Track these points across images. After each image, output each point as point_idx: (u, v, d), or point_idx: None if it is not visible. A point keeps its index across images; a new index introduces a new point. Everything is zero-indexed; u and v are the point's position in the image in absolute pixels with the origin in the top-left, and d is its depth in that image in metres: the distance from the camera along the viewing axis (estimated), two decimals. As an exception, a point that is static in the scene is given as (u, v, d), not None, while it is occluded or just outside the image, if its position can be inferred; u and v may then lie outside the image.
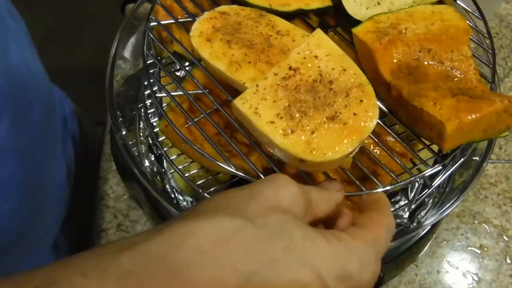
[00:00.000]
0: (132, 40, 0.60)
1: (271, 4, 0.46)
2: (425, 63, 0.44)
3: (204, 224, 0.26)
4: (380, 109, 0.45)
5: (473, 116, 0.38)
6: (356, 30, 0.46)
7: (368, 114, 0.37)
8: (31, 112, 0.47)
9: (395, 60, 0.44)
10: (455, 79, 0.43)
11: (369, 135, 0.44)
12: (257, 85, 0.38)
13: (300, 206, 0.29)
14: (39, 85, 0.50)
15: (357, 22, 0.47)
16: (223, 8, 0.46)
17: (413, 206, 0.55)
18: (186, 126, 0.46)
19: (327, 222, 0.34)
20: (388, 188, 0.42)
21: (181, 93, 0.46)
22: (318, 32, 0.41)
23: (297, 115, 0.37)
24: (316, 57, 0.40)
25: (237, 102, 0.38)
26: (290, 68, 0.39)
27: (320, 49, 0.40)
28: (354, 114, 0.37)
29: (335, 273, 0.27)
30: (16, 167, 0.43)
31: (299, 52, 0.40)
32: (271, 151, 0.39)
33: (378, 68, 0.43)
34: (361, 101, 0.38)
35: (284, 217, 0.28)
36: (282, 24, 0.46)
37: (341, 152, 0.35)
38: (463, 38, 0.45)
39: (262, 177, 0.41)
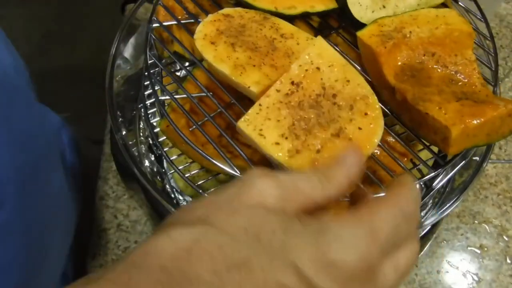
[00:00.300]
0: (132, 40, 0.60)
1: (277, 7, 0.46)
2: (429, 66, 0.44)
3: (159, 239, 0.24)
4: (382, 110, 0.45)
5: (478, 120, 0.38)
6: (360, 34, 0.46)
7: (373, 128, 0.37)
8: (39, 177, 0.43)
9: (399, 63, 0.44)
10: (459, 83, 0.43)
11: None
12: (260, 104, 0.38)
13: (273, 197, 0.26)
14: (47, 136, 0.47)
15: (361, 25, 0.47)
16: (227, 10, 0.46)
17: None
18: (190, 129, 0.47)
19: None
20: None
21: (185, 95, 0.46)
22: (319, 40, 0.40)
23: (301, 134, 0.37)
24: (318, 68, 0.39)
25: (241, 124, 0.37)
26: (292, 83, 0.39)
27: (322, 59, 0.39)
28: (359, 129, 0.37)
29: (313, 261, 0.23)
30: (21, 246, 0.40)
31: (300, 64, 0.39)
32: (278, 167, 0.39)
33: (382, 72, 0.43)
34: (365, 114, 0.37)
35: (250, 214, 0.25)
36: (286, 27, 0.46)
37: None
38: (467, 42, 0.45)
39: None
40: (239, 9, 0.47)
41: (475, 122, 0.38)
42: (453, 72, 0.44)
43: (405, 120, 0.43)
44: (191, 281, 0.23)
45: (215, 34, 0.43)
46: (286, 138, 0.37)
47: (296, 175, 0.27)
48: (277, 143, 0.36)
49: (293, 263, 0.23)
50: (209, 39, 0.43)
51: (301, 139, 0.37)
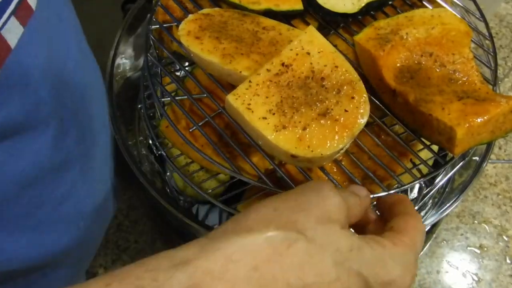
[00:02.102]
0: (132, 40, 0.60)
1: (241, 0, 0.47)
2: (428, 66, 0.44)
3: (258, 240, 0.26)
4: (381, 108, 0.45)
5: (482, 119, 0.38)
6: (358, 38, 0.46)
7: (359, 110, 0.37)
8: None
9: (397, 65, 0.44)
10: (459, 82, 0.43)
11: (369, 135, 0.44)
12: (250, 81, 0.39)
13: (344, 215, 0.29)
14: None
15: (326, 12, 0.47)
16: (207, 10, 0.47)
17: (416, 207, 0.55)
18: (190, 130, 0.47)
19: (356, 227, 0.34)
20: (393, 191, 0.42)
21: (185, 97, 0.47)
22: (311, 28, 0.41)
23: (289, 111, 0.37)
24: (308, 53, 0.40)
25: (230, 97, 0.38)
26: (282, 64, 0.39)
27: (313, 46, 0.40)
28: (346, 111, 0.37)
29: (381, 279, 0.28)
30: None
31: (291, 48, 0.40)
32: (263, 148, 0.39)
33: (382, 75, 0.43)
34: (352, 97, 0.38)
35: (331, 228, 0.28)
36: (267, 21, 0.46)
37: (332, 149, 0.36)
38: (464, 41, 0.45)
39: (264, 178, 0.41)
40: (217, 9, 0.48)
41: (479, 120, 0.38)
42: (452, 71, 0.44)
43: (408, 121, 0.43)
44: (278, 282, 0.25)
45: (198, 30, 0.44)
46: (274, 114, 0.37)
47: (348, 195, 0.32)
48: (264, 118, 0.37)
49: (365, 278, 0.27)
50: (193, 35, 0.44)
51: (288, 116, 0.37)
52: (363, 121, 0.37)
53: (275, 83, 0.39)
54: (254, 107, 0.37)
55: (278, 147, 0.36)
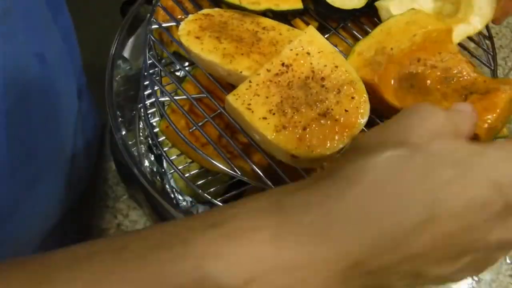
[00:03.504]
0: (132, 40, 0.60)
1: (241, 1, 0.47)
2: (420, 73, 0.44)
3: (378, 159, 0.26)
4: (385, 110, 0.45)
5: (494, 114, 0.38)
6: None
7: (359, 111, 0.38)
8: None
9: (393, 82, 0.44)
10: (455, 79, 0.43)
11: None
12: (250, 81, 0.39)
13: (451, 129, 0.28)
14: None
15: (334, 10, 0.47)
16: (206, 10, 0.47)
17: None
18: (190, 130, 0.47)
19: None
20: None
21: (184, 97, 0.47)
22: (310, 29, 0.41)
23: (289, 111, 0.37)
24: (308, 53, 0.40)
25: (230, 97, 0.38)
26: (282, 64, 0.39)
27: (312, 46, 0.40)
28: (346, 111, 0.38)
29: (507, 178, 0.26)
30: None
31: (291, 48, 0.40)
32: (263, 147, 0.39)
33: (384, 99, 0.42)
34: (352, 97, 0.38)
35: (445, 140, 0.27)
36: (267, 21, 0.47)
37: (332, 149, 0.36)
38: (446, 38, 0.45)
39: (264, 178, 0.41)
40: (217, 9, 0.48)
41: (492, 116, 0.38)
42: (444, 70, 0.44)
43: None
44: (405, 196, 0.25)
45: (198, 30, 0.44)
46: (274, 114, 0.37)
47: (454, 112, 0.30)
48: (265, 118, 0.37)
49: (493, 181, 0.26)
50: (193, 35, 0.44)
51: (288, 116, 0.37)
52: (363, 121, 0.37)
53: (275, 83, 0.39)
54: (254, 107, 0.37)
55: (279, 147, 0.36)
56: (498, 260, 0.29)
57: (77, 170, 0.55)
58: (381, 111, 0.43)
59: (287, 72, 0.39)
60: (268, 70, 0.39)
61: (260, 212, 0.25)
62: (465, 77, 0.43)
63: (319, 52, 0.40)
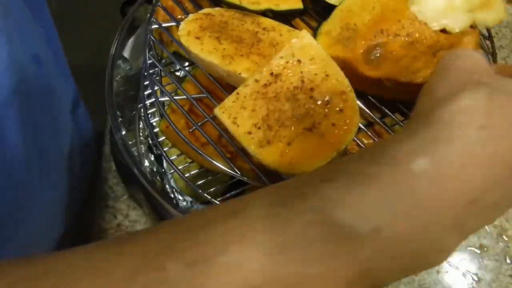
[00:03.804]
0: (131, 40, 0.60)
1: (241, 1, 0.47)
2: (387, 43, 0.45)
3: (468, 100, 0.25)
4: (380, 109, 0.45)
5: None
6: None
7: (347, 124, 0.37)
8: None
9: (366, 56, 0.45)
10: (419, 42, 0.44)
11: (369, 135, 0.44)
12: (237, 93, 0.38)
13: (488, 68, 0.29)
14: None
15: (330, 7, 0.47)
16: (207, 10, 0.47)
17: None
18: (190, 130, 0.47)
19: None
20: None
21: (184, 97, 0.47)
22: (303, 33, 0.41)
23: (274, 126, 0.37)
24: (299, 61, 0.39)
25: (217, 111, 0.38)
26: (271, 74, 0.39)
27: (304, 53, 0.40)
28: (333, 125, 0.37)
29: None
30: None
31: (282, 56, 0.40)
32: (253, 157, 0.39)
33: (361, 73, 0.43)
34: (340, 110, 0.38)
35: (497, 76, 0.27)
36: (267, 21, 0.47)
37: (316, 165, 0.36)
38: (402, 5, 0.46)
39: (264, 178, 0.41)
40: (218, 8, 0.48)
41: None
42: (408, 36, 0.45)
43: (405, 99, 0.44)
44: (503, 132, 0.24)
45: (198, 30, 0.44)
46: (259, 128, 0.37)
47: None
48: (249, 133, 0.37)
49: None
50: (193, 35, 0.44)
51: (273, 130, 0.37)
52: (350, 136, 0.37)
53: (262, 95, 0.38)
54: (240, 121, 0.37)
55: (262, 162, 0.36)
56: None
57: (76, 174, 0.55)
58: (357, 85, 0.44)
59: (275, 82, 0.39)
60: (257, 81, 0.39)
61: (373, 164, 0.24)
62: (428, 38, 0.44)
63: (310, 60, 0.39)
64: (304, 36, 0.40)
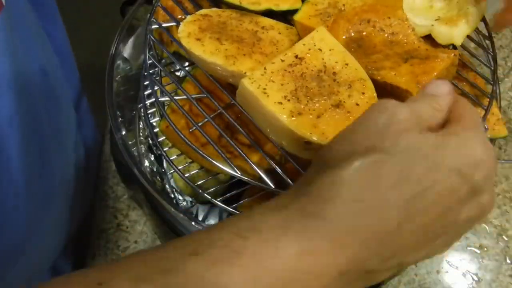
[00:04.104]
0: (132, 40, 0.60)
1: (241, 1, 0.47)
2: (368, 34, 0.45)
3: (347, 172, 0.27)
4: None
5: (430, 76, 0.41)
6: (298, 18, 0.46)
7: (369, 105, 0.38)
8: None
9: (343, 37, 0.45)
10: (399, 44, 0.44)
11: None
12: (265, 68, 0.39)
13: (416, 122, 0.29)
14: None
15: None
16: (204, 11, 0.47)
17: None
18: (190, 130, 0.47)
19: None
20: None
21: (184, 97, 0.47)
22: (321, 29, 0.42)
23: (303, 99, 0.38)
24: (320, 50, 0.41)
25: (246, 81, 0.38)
26: (296, 56, 0.40)
27: (324, 44, 0.41)
28: (357, 105, 0.38)
29: (471, 164, 0.28)
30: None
31: (304, 43, 0.41)
32: (274, 137, 0.39)
33: None
34: (363, 93, 0.39)
35: (410, 137, 0.28)
36: (265, 20, 0.47)
37: None
38: (396, 3, 0.46)
39: (264, 178, 0.41)
40: (215, 9, 0.48)
41: (428, 78, 0.40)
42: (391, 34, 0.45)
43: None
44: (382, 206, 0.26)
45: (198, 31, 0.44)
46: (289, 100, 0.38)
47: (417, 103, 0.31)
48: (280, 103, 0.37)
49: (457, 169, 0.27)
50: (193, 37, 0.44)
51: (303, 103, 0.38)
52: None
53: (289, 73, 0.39)
54: (269, 91, 0.38)
55: (293, 133, 0.37)
56: (465, 233, 0.32)
57: (81, 183, 0.55)
58: None
59: (300, 64, 0.40)
60: (282, 60, 0.40)
61: (238, 237, 0.26)
62: (409, 43, 0.45)
63: (330, 50, 0.41)
64: (322, 30, 0.41)
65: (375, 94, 0.39)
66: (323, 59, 0.40)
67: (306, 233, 0.25)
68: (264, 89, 0.38)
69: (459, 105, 0.32)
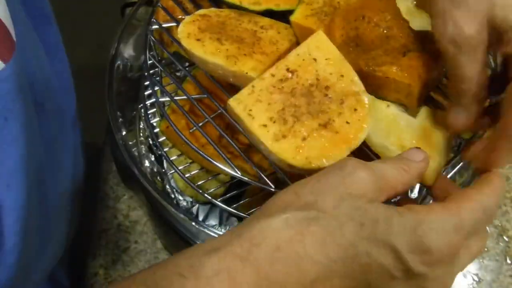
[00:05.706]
0: (132, 40, 0.60)
1: (241, 1, 0.47)
2: (364, 30, 0.44)
3: (277, 223, 0.28)
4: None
5: (429, 68, 0.40)
6: (295, 18, 0.46)
7: (361, 124, 0.37)
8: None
9: (340, 36, 0.44)
10: (395, 38, 0.44)
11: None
12: (253, 86, 0.38)
13: (371, 189, 0.29)
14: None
15: None
16: (203, 11, 0.47)
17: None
18: (191, 130, 0.47)
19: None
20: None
21: (185, 97, 0.47)
22: (320, 33, 0.41)
23: (290, 120, 0.37)
24: (315, 59, 0.39)
25: (232, 102, 0.38)
26: (287, 69, 0.39)
27: (319, 52, 0.40)
28: (347, 123, 0.37)
29: (413, 248, 0.27)
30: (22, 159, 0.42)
31: (298, 53, 0.40)
32: (262, 152, 0.39)
33: None
34: (355, 109, 0.38)
35: (355, 204, 0.28)
36: (263, 20, 0.47)
37: (331, 161, 0.35)
38: None
39: (265, 178, 0.41)
40: (213, 9, 0.48)
41: (428, 70, 0.40)
42: (386, 29, 0.44)
43: (365, 87, 0.44)
44: (303, 260, 0.27)
45: (198, 32, 0.44)
46: (274, 122, 0.37)
47: (383, 165, 0.31)
48: (265, 125, 0.37)
49: (394, 247, 0.27)
50: (193, 37, 0.44)
51: (288, 125, 0.37)
52: (363, 135, 0.37)
53: (278, 89, 0.38)
54: (255, 113, 0.37)
55: (276, 156, 0.36)
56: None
57: (76, 201, 0.55)
58: None
59: (291, 78, 0.39)
60: (273, 75, 0.39)
61: (180, 276, 0.27)
62: (405, 37, 0.44)
63: (326, 59, 0.40)
64: (320, 35, 0.41)
65: (367, 110, 0.38)
66: (316, 71, 0.39)
67: (236, 275, 0.27)
68: (250, 110, 0.37)
69: (470, 189, 0.31)
